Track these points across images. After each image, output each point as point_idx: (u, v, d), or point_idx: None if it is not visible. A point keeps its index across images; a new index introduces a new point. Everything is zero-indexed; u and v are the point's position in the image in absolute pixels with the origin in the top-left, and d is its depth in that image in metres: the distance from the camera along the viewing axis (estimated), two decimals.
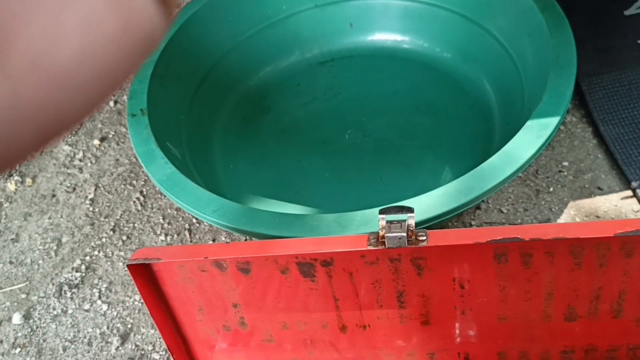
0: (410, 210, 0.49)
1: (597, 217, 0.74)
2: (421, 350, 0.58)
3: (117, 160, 0.98)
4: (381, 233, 0.49)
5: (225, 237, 0.83)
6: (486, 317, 0.55)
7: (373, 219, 0.62)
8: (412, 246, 0.48)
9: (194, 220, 0.85)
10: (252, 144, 0.95)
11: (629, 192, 0.75)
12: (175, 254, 0.54)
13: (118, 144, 1.01)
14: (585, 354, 0.56)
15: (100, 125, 1.05)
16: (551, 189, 0.78)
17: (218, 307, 0.58)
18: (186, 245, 0.55)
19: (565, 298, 0.52)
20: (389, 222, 0.49)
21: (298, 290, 0.55)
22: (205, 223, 0.84)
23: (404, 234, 0.48)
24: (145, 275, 0.55)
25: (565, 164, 0.80)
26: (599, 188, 0.77)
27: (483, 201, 0.78)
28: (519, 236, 0.47)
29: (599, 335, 0.54)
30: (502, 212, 0.77)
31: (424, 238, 0.48)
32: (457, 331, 0.56)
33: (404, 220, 0.49)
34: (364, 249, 0.49)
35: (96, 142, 1.02)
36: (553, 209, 0.76)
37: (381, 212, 0.50)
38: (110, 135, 1.03)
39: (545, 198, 0.78)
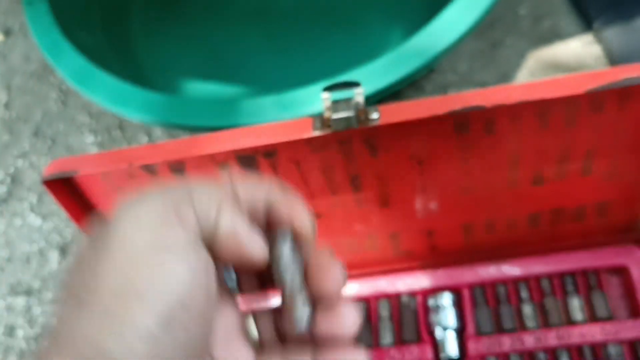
0: (357, 85, 0.43)
1: (558, 66, 0.69)
2: (382, 232, 0.55)
3: (28, 56, 0.87)
4: (326, 115, 0.43)
5: (162, 131, 0.75)
6: (448, 191, 0.51)
7: (318, 96, 0.55)
8: (362, 126, 0.42)
9: (136, 120, 0.77)
10: (177, 22, 0.84)
11: (591, 36, 0.70)
12: (94, 163, 0.47)
13: (26, 37, 0.90)
14: (553, 215, 0.53)
15: (2, 18, 0.92)
16: (508, 41, 0.72)
17: None
18: (106, 152, 0.47)
19: (531, 162, 0.48)
20: (335, 102, 0.43)
21: None
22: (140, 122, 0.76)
23: (352, 114, 0.42)
24: (65, 189, 0.49)
25: (523, 11, 0.74)
26: (558, 34, 0.71)
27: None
28: (480, 104, 0.41)
29: (567, 196, 0.51)
30: (457, 71, 0.71)
31: (376, 116, 0.42)
32: (419, 209, 0.52)
33: (351, 98, 0.43)
34: (308, 135, 0.43)
35: (0, 37, 0.90)
36: (511, 63, 0.71)
37: (325, 90, 0.43)
38: (16, 28, 0.91)
39: (502, 51, 0.72)
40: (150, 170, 0.47)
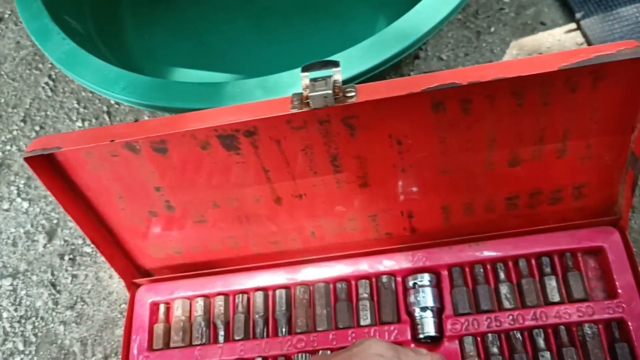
0: (335, 64, 0.44)
1: (541, 54, 0.70)
2: (363, 214, 0.55)
3: (18, 42, 0.88)
4: (305, 93, 0.43)
5: (149, 116, 0.76)
6: (427, 173, 0.51)
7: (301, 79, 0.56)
8: (340, 104, 0.43)
9: (113, 102, 0.78)
10: (167, 10, 0.85)
11: (573, 25, 0.71)
12: (77, 140, 0.47)
13: (17, 24, 0.90)
14: (531, 197, 0.54)
15: None
16: (492, 29, 0.73)
17: (139, 192, 0.53)
18: (89, 129, 0.48)
19: (508, 143, 0.49)
20: (313, 80, 0.43)
21: (223, 166, 0.50)
22: (125, 104, 0.76)
23: (330, 92, 0.43)
24: (48, 167, 0.49)
25: (507, 0, 0.74)
26: (542, 23, 0.72)
27: (421, 49, 0.73)
28: (456, 81, 0.42)
29: (544, 178, 0.52)
30: (442, 59, 0.72)
31: (353, 94, 0.43)
32: (398, 190, 0.53)
33: (330, 76, 0.43)
34: (287, 112, 0.44)
35: None
36: (495, 50, 0.71)
37: (304, 69, 0.44)
38: (7, 15, 0.91)
39: (486, 39, 0.72)
40: (132, 148, 0.48)
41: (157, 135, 0.47)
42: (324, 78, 0.43)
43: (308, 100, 0.43)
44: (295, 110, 0.44)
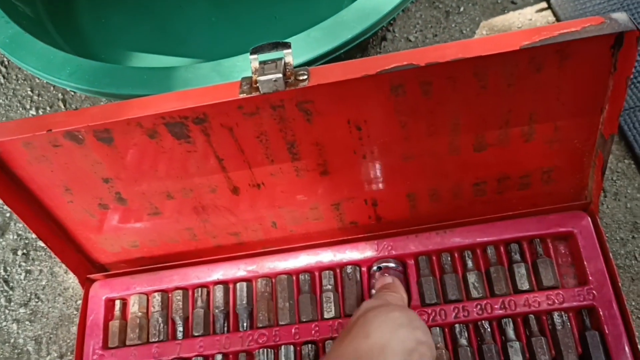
0: (286, 45, 0.41)
1: None
2: (325, 202, 0.53)
3: None
4: (254, 77, 0.41)
5: (105, 103, 0.73)
6: (390, 159, 0.49)
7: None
8: (291, 88, 0.40)
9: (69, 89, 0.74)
10: None
11: (544, 4, 0.68)
12: (14, 130, 0.44)
13: None
14: (498, 183, 0.52)
15: None
16: (462, 9, 0.70)
17: (87, 184, 0.50)
18: (25, 119, 0.45)
19: (473, 127, 0.47)
20: (263, 63, 0.41)
21: (174, 155, 0.47)
22: (73, 91, 0.73)
23: (280, 75, 0.40)
24: None
25: None
26: (512, 2, 0.69)
27: (389, 30, 0.70)
28: (413, 62, 0.39)
29: (512, 162, 0.50)
30: (410, 40, 0.70)
31: (305, 77, 0.40)
32: (361, 177, 0.51)
33: (280, 59, 0.41)
34: (236, 98, 0.41)
35: None
36: (464, 31, 0.69)
37: (252, 51, 0.41)
38: None
39: (455, 19, 0.70)
40: (74, 138, 0.45)
41: (99, 124, 0.44)
42: (274, 60, 0.41)
43: (257, 85, 0.40)
44: (244, 95, 0.41)
